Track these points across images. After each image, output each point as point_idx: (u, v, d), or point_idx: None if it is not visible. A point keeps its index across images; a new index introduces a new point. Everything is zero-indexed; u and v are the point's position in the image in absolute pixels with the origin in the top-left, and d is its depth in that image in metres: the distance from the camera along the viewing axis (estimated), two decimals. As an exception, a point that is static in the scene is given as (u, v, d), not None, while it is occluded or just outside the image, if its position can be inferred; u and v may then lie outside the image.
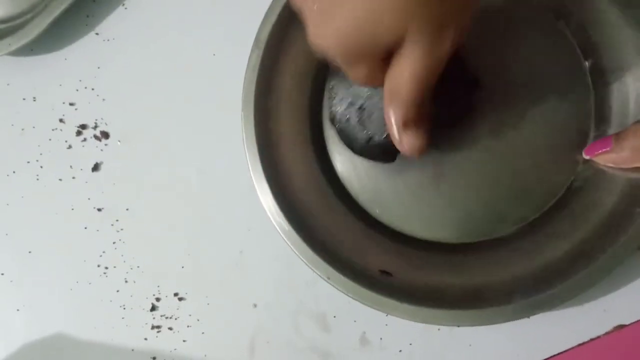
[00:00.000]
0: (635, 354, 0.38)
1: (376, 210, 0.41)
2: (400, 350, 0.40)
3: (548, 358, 0.38)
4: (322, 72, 0.41)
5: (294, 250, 0.37)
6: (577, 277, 0.35)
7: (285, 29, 0.39)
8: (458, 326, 0.36)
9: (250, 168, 0.39)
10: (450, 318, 0.36)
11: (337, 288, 0.37)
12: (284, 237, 0.38)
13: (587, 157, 0.37)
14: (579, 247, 0.36)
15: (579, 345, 0.38)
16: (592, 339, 0.38)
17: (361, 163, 0.41)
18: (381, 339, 0.40)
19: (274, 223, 0.38)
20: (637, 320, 0.38)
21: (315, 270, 0.37)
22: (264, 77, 0.39)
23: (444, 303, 0.36)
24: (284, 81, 0.40)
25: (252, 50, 0.39)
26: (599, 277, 0.35)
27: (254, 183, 0.38)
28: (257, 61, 0.39)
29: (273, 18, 0.39)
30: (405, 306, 0.36)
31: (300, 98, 0.41)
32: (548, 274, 0.36)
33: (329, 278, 0.37)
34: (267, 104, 0.39)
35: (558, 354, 0.38)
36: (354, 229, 0.39)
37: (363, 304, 0.36)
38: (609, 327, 0.38)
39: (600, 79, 0.39)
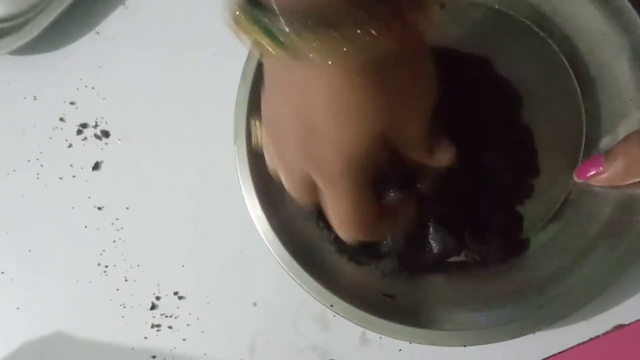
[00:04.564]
0: (635, 353, 0.38)
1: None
2: (400, 350, 0.40)
3: (548, 357, 0.38)
4: None
5: (295, 279, 0.37)
6: (581, 288, 0.34)
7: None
8: (465, 346, 0.36)
9: (250, 212, 0.39)
10: (458, 339, 0.35)
11: (342, 316, 0.36)
12: (284, 267, 0.37)
13: (579, 180, 0.37)
14: (580, 259, 0.36)
15: (579, 344, 0.38)
16: (591, 339, 0.38)
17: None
18: (381, 337, 0.40)
19: (273, 252, 0.38)
20: (637, 320, 0.38)
21: (319, 299, 0.37)
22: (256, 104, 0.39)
23: (450, 324, 0.36)
24: None
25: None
26: (603, 288, 0.34)
27: (253, 220, 0.38)
28: (245, 95, 0.39)
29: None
30: (411, 329, 0.36)
31: None
32: (551, 288, 0.36)
33: (332, 306, 0.36)
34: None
35: (558, 353, 0.38)
36: None
37: (371, 330, 0.36)
38: (608, 327, 0.38)
39: (589, 89, 0.39)
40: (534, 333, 0.36)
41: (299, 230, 0.39)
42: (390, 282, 0.38)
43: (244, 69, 0.39)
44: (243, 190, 0.39)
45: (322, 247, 0.39)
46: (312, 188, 0.30)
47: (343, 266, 0.38)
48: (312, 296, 0.37)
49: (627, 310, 0.38)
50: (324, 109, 0.27)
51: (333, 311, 0.37)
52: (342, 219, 0.30)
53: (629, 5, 0.35)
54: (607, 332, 0.38)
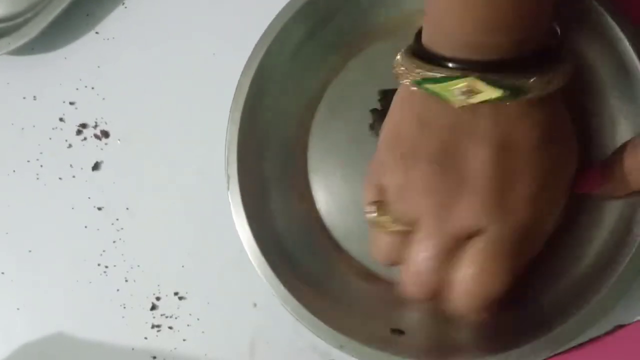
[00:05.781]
0: (635, 354, 0.38)
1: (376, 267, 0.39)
2: (400, 350, 0.40)
3: (547, 358, 0.38)
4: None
5: (299, 319, 0.37)
6: (591, 304, 0.34)
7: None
8: None
9: (251, 259, 0.38)
10: None
11: (351, 355, 0.36)
12: (288, 309, 0.37)
13: (578, 193, 0.36)
14: (587, 272, 0.36)
15: (579, 345, 0.38)
16: (591, 339, 0.38)
17: (358, 227, 0.39)
18: (381, 338, 0.40)
19: (275, 294, 0.37)
20: (637, 320, 0.38)
21: (326, 340, 0.36)
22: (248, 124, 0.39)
23: (465, 350, 0.35)
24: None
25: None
26: (614, 301, 0.33)
27: (255, 266, 0.38)
28: (234, 136, 0.39)
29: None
30: None
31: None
32: (561, 306, 0.35)
33: (341, 347, 0.36)
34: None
35: (558, 354, 0.38)
36: (358, 288, 0.39)
37: None
38: (608, 327, 0.38)
39: (582, 98, 0.38)
40: (547, 356, 0.35)
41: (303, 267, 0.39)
42: (398, 314, 0.37)
43: (231, 113, 0.39)
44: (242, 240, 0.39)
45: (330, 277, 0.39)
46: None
47: (350, 301, 0.38)
48: (320, 338, 0.36)
49: (627, 311, 0.38)
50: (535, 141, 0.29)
51: (344, 352, 0.36)
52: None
53: (608, 17, 0.34)
54: (607, 333, 0.38)
